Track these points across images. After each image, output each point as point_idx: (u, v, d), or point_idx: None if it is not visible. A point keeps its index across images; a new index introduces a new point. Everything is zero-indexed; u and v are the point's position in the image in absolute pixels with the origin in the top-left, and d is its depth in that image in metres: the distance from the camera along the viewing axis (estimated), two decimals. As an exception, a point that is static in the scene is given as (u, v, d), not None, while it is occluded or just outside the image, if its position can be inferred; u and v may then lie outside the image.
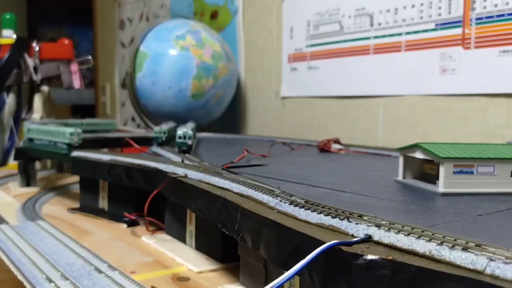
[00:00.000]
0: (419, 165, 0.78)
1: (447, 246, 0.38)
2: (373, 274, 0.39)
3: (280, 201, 0.57)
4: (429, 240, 0.40)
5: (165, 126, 1.30)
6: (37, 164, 1.54)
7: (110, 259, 0.74)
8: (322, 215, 0.49)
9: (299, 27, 1.70)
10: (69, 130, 1.10)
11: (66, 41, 1.85)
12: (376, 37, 1.44)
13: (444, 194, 0.67)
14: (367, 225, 0.45)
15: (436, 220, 0.53)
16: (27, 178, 1.41)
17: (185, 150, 1.06)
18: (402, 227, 0.44)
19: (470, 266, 0.35)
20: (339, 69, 1.57)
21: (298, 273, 0.43)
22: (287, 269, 0.42)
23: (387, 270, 0.39)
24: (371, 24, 1.45)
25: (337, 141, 1.28)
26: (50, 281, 0.65)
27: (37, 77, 1.75)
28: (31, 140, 1.27)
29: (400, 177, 0.79)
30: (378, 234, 0.43)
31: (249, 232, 0.57)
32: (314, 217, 0.50)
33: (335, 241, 0.43)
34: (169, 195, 0.84)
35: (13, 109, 1.77)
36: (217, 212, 0.65)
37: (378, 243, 0.43)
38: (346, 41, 1.53)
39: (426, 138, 1.32)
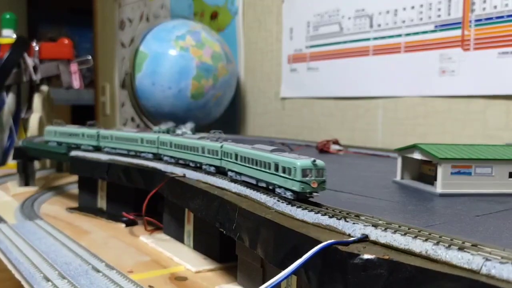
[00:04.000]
0: (417, 165, 0.78)
1: (444, 246, 0.38)
2: (370, 273, 0.39)
3: (278, 200, 0.57)
4: (426, 240, 0.40)
5: (164, 126, 1.30)
6: (36, 164, 1.54)
7: (107, 259, 0.74)
8: (319, 215, 0.49)
9: (299, 28, 1.70)
10: (301, 162, 0.55)
11: (66, 41, 1.85)
12: (375, 38, 1.44)
13: (442, 195, 0.67)
14: (364, 225, 0.45)
15: (434, 220, 0.53)
16: (26, 178, 1.41)
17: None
18: (399, 227, 0.44)
19: (466, 266, 0.35)
20: (338, 70, 1.57)
21: (295, 272, 0.43)
22: (284, 269, 0.42)
23: (383, 270, 0.39)
24: (371, 26, 1.45)
25: (336, 142, 1.28)
26: (48, 280, 0.65)
27: (36, 77, 1.76)
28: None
29: (398, 178, 0.79)
30: (375, 234, 0.43)
31: (246, 231, 0.57)
32: (311, 216, 0.50)
33: (332, 240, 0.43)
34: (167, 194, 0.84)
35: (12, 109, 1.77)
36: (215, 212, 0.65)
37: (375, 242, 0.43)
38: (345, 42, 1.54)
39: (425, 139, 1.32)
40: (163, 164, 0.89)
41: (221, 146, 0.74)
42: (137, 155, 0.99)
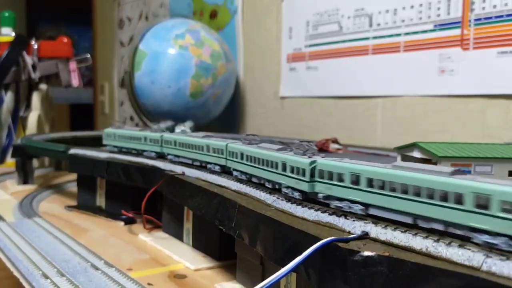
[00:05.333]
0: (417, 164, 0.78)
1: (444, 243, 0.38)
2: (370, 270, 0.39)
3: (277, 198, 0.56)
4: (426, 237, 0.40)
5: (163, 125, 1.30)
6: (35, 162, 1.54)
7: (106, 257, 0.74)
8: (319, 212, 0.49)
9: (298, 27, 1.70)
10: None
11: (65, 39, 1.85)
12: (375, 37, 1.44)
13: (442, 193, 0.67)
14: (364, 222, 0.45)
15: (433, 218, 0.53)
16: (25, 176, 1.40)
17: None
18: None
19: (467, 263, 0.35)
20: (338, 69, 1.57)
21: (295, 269, 0.43)
22: (284, 266, 0.42)
23: (383, 267, 0.39)
24: (370, 25, 1.45)
25: (335, 141, 1.28)
26: (46, 277, 0.65)
27: (35, 75, 1.75)
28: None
29: (397, 177, 0.79)
30: (375, 231, 0.43)
31: (246, 229, 0.57)
32: (311, 214, 0.50)
33: (332, 237, 0.43)
34: (166, 193, 0.84)
35: (11, 107, 1.77)
36: (214, 210, 0.65)
37: (375, 239, 0.43)
38: (345, 41, 1.53)
39: (424, 139, 1.31)
40: (162, 162, 0.89)
41: (312, 162, 0.53)
42: (202, 165, 0.81)
